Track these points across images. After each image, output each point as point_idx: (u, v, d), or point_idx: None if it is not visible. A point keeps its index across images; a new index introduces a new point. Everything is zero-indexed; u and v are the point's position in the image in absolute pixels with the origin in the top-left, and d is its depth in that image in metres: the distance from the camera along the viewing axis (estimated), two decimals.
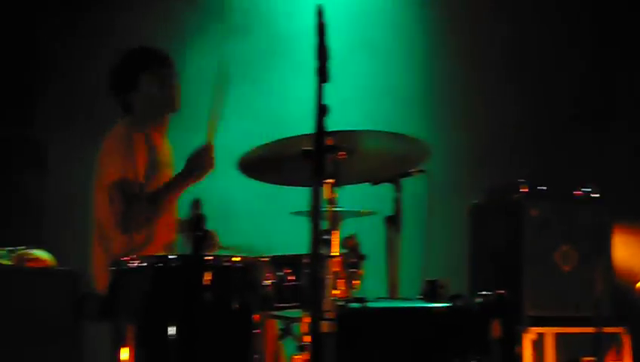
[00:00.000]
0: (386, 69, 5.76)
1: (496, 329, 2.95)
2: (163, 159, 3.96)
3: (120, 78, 3.99)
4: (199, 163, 3.77)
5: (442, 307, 2.95)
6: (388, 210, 3.92)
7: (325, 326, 2.82)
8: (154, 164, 3.87)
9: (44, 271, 4.31)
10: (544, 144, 5.68)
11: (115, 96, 4.01)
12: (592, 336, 4.46)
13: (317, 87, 2.48)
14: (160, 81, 3.97)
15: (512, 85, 5.73)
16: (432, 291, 3.04)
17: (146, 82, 3.95)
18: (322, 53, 2.50)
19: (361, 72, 5.64)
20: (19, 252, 4.39)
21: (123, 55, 4.04)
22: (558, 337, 4.47)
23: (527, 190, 4.63)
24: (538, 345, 4.44)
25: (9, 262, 4.32)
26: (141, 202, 3.72)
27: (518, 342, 3.74)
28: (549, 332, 4.47)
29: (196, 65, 4.91)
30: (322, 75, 2.49)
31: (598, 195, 4.67)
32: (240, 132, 5.20)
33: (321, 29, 2.55)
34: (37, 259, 4.35)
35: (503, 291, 3.07)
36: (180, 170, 3.82)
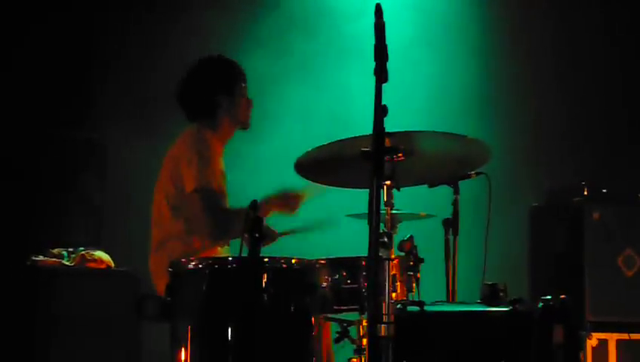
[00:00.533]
0: (443, 69, 5.71)
1: (558, 334, 2.88)
2: (222, 168, 3.97)
3: (217, 78, 3.96)
4: (290, 202, 3.76)
5: (503, 311, 2.89)
6: (446, 213, 3.87)
7: (383, 330, 2.79)
8: (219, 174, 3.88)
9: (104, 272, 4.37)
10: (606, 146, 5.56)
11: (201, 96, 3.95)
12: None
13: (376, 87, 2.45)
14: (247, 96, 4.01)
15: (572, 87, 5.63)
16: (491, 295, 2.98)
17: (242, 90, 3.97)
18: (381, 53, 2.47)
19: (420, 72, 5.59)
20: (79, 253, 4.46)
21: (213, 58, 4.01)
22: (621, 343, 4.36)
23: (588, 192, 4.53)
24: (601, 351, 4.34)
25: (70, 263, 4.39)
26: (227, 214, 3.71)
27: (581, 347, 3.65)
28: (612, 338, 4.37)
29: (252, 65, 4.92)
30: (381, 74, 2.45)
31: None
32: (298, 132, 5.23)
33: (379, 29, 2.52)
34: (97, 260, 4.41)
35: (565, 295, 3.00)
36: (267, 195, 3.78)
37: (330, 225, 3.85)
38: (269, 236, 3.88)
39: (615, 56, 5.58)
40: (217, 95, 3.93)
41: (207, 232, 3.71)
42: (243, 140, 4.25)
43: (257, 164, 5.16)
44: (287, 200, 3.79)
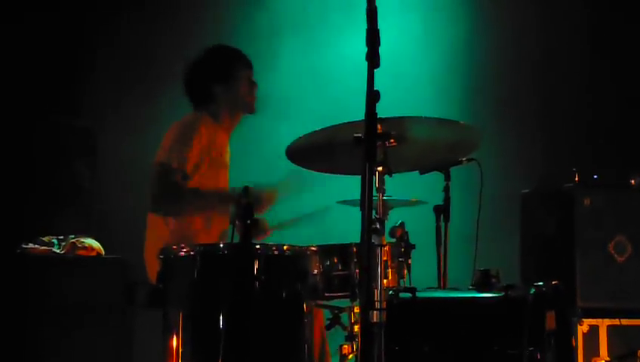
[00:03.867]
0: (435, 56, 5.69)
1: (550, 320, 2.89)
2: (222, 159, 3.95)
3: (213, 67, 3.96)
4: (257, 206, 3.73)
5: (495, 297, 2.89)
6: (437, 199, 3.87)
7: (375, 316, 2.79)
8: (212, 162, 3.87)
9: (94, 259, 4.35)
10: (597, 132, 5.55)
11: (198, 85, 3.96)
12: None
13: (368, 73, 2.43)
14: (250, 80, 4.00)
15: (563, 73, 5.61)
16: (483, 281, 2.98)
17: (241, 77, 3.97)
18: (373, 37, 2.45)
19: (412, 59, 5.58)
20: (70, 241, 4.43)
21: (214, 47, 4.03)
22: (613, 329, 4.37)
23: (579, 179, 4.53)
24: (592, 336, 4.35)
25: (60, 251, 4.37)
26: (180, 191, 3.71)
27: (572, 333, 3.66)
28: (603, 324, 4.38)
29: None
30: (373, 60, 2.43)
31: None
32: (290, 118, 5.21)
33: (371, 14, 2.50)
34: (87, 248, 4.39)
35: (557, 281, 3.00)
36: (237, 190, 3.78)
37: (321, 216, 3.84)
38: (262, 230, 3.88)
39: (605, 40, 5.57)
40: (213, 85, 3.94)
41: (157, 203, 3.72)
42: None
43: (249, 150, 5.14)
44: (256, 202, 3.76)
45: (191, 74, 3.99)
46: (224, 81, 3.95)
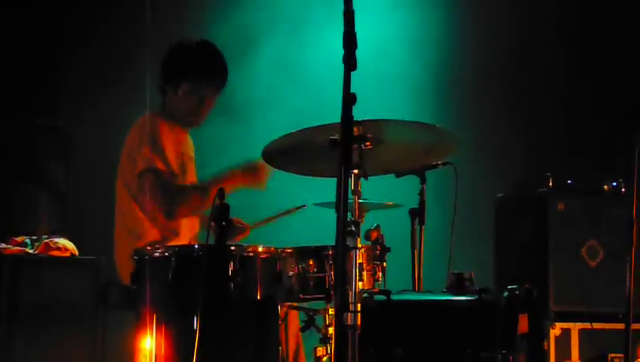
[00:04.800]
0: (411, 59, 5.71)
1: (523, 323, 2.91)
2: (187, 152, 3.94)
3: (170, 66, 3.92)
4: (255, 173, 3.73)
5: (469, 300, 2.91)
6: (412, 203, 3.89)
7: (349, 319, 2.80)
8: (181, 157, 3.86)
9: (68, 260, 4.32)
10: (570, 137, 5.60)
11: (160, 78, 3.94)
12: (619, 332, 4.40)
13: (344, 75, 2.44)
14: (200, 95, 3.90)
15: (537, 78, 5.66)
16: (457, 284, 3.00)
17: (187, 88, 3.88)
18: (350, 40, 2.45)
19: (389, 61, 5.60)
20: (43, 241, 4.40)
21: (210, 45, 3.94)
22: (584, 332, 4.42)
23: (553, 184, 4.57)
24: (564, 340, 4.39)
25: (34, 251, 4.34)
26: (184, 190, 3.69)
27: (545, 337, 3.69)
28: (575, 327, 4.42)
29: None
30: (350, 62, 2.44)
31: (625, 190, 4.60)
32: (266, 120, 5.21)
33: (348, 16, 2.50)
34: (61, 248, 4.36)
35: (530, 285, 3.02)
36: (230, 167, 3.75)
37: (299, 211, 3.83)
38: (240, 230, 3.87)
39: (579, 46, 5.62)
40: (163, 83, 3.92)
41: (160, 209, 3.68)
42: (213, 126, 4.22)
43: (224, 152, 5.13)
44: (252, 172, 3.74)
45: (181, 55, 3.90)
46: (171, 84, 3.88)
